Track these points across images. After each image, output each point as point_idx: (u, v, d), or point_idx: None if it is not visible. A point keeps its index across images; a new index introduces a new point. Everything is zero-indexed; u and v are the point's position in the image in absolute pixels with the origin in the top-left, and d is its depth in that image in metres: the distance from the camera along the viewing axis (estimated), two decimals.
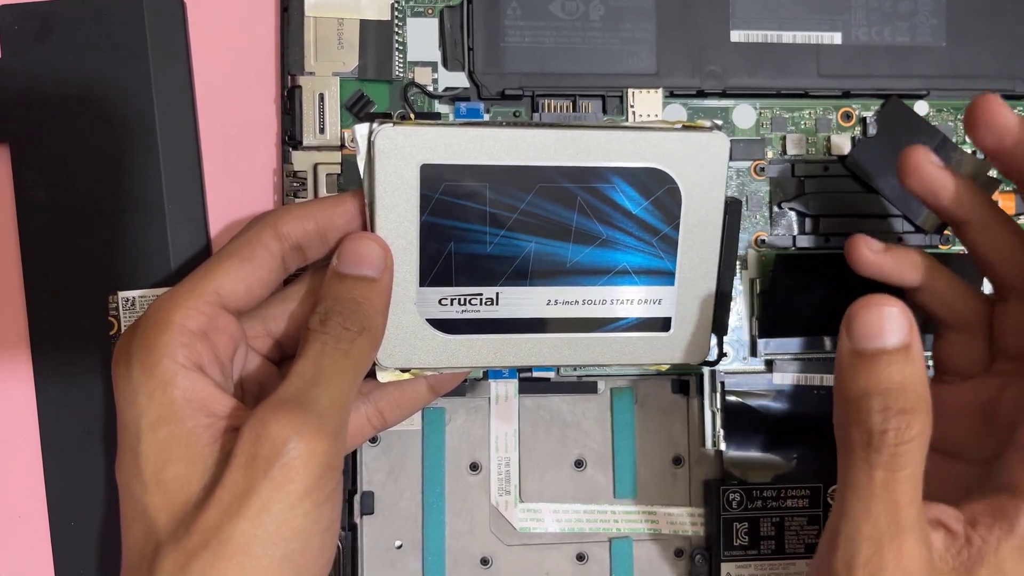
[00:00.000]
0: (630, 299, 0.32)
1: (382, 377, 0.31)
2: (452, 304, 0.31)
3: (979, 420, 0.31)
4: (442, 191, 0.29)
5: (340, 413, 0.27)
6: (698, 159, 0.30)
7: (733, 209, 0.31)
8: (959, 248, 0.37)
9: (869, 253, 0.31)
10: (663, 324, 0.32)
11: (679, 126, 0.30)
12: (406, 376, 0.31)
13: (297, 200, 0.35)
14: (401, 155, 0.29)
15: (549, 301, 0.31)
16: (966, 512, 0.28)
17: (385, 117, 0.29)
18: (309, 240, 0.29)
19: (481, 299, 0.31)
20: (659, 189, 0.30)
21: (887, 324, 0.26)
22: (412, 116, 0.31)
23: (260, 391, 0.31)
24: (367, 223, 0.30)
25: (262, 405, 0.27)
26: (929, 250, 0.35)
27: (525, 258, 0.31)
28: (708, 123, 0.31)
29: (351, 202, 0.30)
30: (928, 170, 0.30)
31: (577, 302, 0.31)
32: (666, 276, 0.31)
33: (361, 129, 0.29)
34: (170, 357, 0.27)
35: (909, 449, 0.26)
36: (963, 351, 0.32)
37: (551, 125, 0.30)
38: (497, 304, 0.31)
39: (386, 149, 0.29)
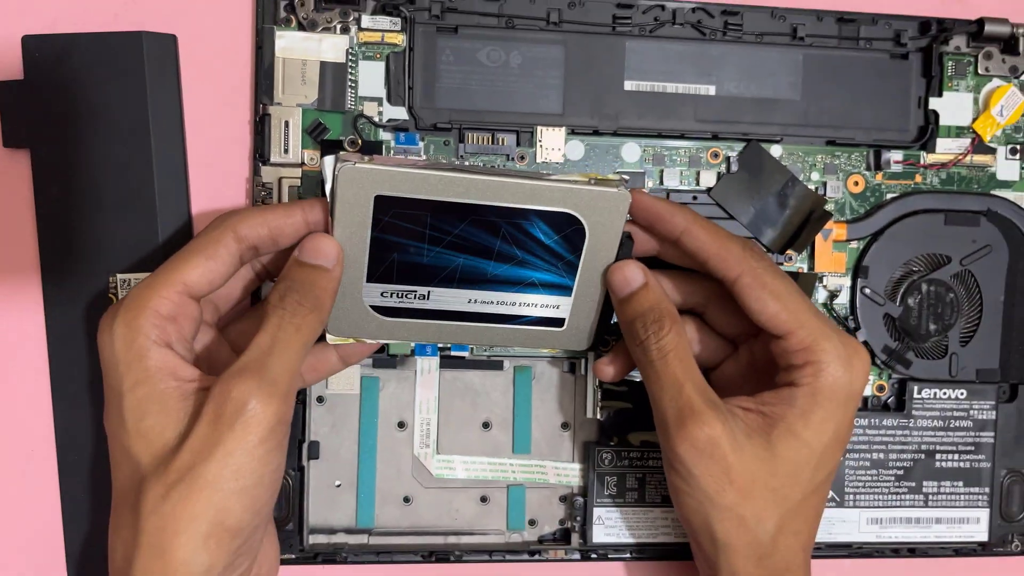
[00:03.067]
0: (535, 303, 0.36)
1: (331, 340, 0.35)
2: (391, 296, 0.34)
3: (752, 375, 0.37)
4: (391, 215, 0.32)
5: (290, 379, 0.30)
6: (604, 209, 0.33)
7: (626, 244, 0.35)
8: (799, 266, 0.42)
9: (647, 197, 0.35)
10: (559, 322, 0.37)
11: (592, 181, 0.33)
12: (350, 341, 0.35)
13: (264, 204, 0.36)
14: (359, 187, 0.31)
15: (470, 300, 0.35)
16: (757, 399, 0.35)
17: (349, 147, 0.31)
18: (263, 243, 0.32)
19: (415, 295, 0.35)
20: (569, 228, 0.34)
21: (629, 275, 0.35)
22: (359, 142, 0.36)
23: (209, 356, 0.34)
24: (329, 229, 0.32)
25: (227, 372, 0.30)
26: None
27: (454, 268, 0.34)
28: (616, 178, 0.33)
29: (299, 214, 0.32)
30: (650, 200, 0.35)
31: (493, 303, 0.35)
32: (565, 289, 0.36)
33: (329, 161, 0.32)
34: (144, 335, 0.30)
35: (667, 341, 0.34)
36: (709, 348, 0.38)
37: (489, 172, 0.32)
38: (428, 300, 0.35)
39: (347, 182, 0.31)
